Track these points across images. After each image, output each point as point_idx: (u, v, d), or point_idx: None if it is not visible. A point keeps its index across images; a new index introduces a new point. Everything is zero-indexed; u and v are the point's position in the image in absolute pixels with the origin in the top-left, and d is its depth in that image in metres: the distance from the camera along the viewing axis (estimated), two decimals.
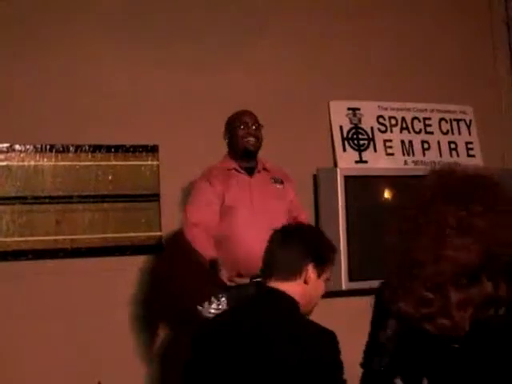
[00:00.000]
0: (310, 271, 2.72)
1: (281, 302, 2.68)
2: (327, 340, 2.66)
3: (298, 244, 2.75)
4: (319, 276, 2.76)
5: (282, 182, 4.43)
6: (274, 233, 2.85)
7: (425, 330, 1.93)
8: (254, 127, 4.37)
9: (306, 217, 4.49)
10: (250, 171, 4.38)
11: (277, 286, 2.69)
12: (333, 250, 2.87)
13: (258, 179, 4.37)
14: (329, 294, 5.19)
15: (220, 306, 3.78)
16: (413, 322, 1.94)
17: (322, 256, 2.78)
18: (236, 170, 4.35)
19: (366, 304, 5.46)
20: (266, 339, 2.57)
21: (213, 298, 3.82)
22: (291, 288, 2.68)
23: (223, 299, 3.81)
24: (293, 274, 2.70)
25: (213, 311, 3.77)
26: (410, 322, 1.95)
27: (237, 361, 2.57)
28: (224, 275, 4.03)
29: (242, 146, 4.35)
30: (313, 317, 5.36)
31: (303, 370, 2.52)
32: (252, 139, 4.35)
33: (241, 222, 4.23)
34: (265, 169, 4.42)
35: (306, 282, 2.72)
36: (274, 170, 4.47)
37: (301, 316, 2.73)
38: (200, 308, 3.85)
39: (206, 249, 4.14)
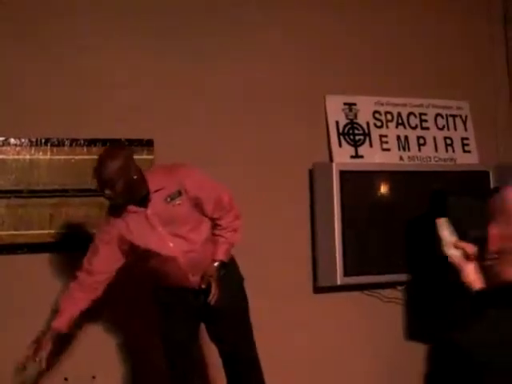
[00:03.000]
0: None
1: None
2: None
3: None
4: None
5: (179, 194, 4.01)
6: None
7: None
8: (107, 191, 3.90)
9: (229, 197, 4.13)
10: (144, 202, 4.01)
11: None
12: None
13: (152, 210, 4.01)
14: (324, 289, 5.27)
15: None
16: None
17: None
18: (128, 211, 4.02)
19: (360, 299, 5.48)
20: None
21: None
22: None
23: None
24: None
25: None
26: None
27: None
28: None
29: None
30: (309, 311, 5.38)
31: None
32: (114, 201, 3.99)
33: (158, 258, 4.05)
34: (156, 190, 4.01)
35: None
36: (168, 183, 4.03)
37: None
38: None
39: (62, 312, 4.09)
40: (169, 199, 4.01)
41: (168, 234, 4.04)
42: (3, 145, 4.65)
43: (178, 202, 4.02)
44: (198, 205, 4.07)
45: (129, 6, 4.98)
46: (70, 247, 4.71)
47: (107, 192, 3.90)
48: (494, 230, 2.14)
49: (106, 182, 3.88)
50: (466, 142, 5.83)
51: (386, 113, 5.63)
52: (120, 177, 3.87)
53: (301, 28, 5.40)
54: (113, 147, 4.09)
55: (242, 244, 4.23)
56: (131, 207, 4.02)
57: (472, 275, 2.36)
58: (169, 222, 4.02)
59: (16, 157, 4.67)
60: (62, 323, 4.09)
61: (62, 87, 4.80)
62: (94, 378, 4.67)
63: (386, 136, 5.59)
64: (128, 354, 4.82)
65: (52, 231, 4.69)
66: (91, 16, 4.88)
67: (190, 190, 4.04)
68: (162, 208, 4.01)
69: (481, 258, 2.22)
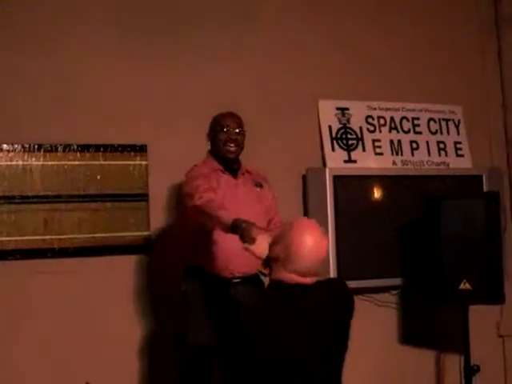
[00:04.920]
0: None
1: None
2: None
3: None
4: None
5: (261, 186, 4.39)
6: None
7: None
8: (236, 131, 4.28)
9: (280, 219, 4.39)
10: (234, 173, 4.32)
11: None
12: None
13: (241, 182, 4.32)
14: None
15: None
16: None
17: None
18: (222, 171, 4.29)
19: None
20: None
21: None
22: None
23: None
24: None
25: None
26: None
27: None
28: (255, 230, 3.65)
29: (223, 151, 4.28)
30: None
31: None
32: (232, 146, 4.26)
33: None
34: (247, 171, 4.38)
35: None
36: (255, 174, 4.43)
37: None
38: None
39: (225, 211, 3.86)
40: (254, 184, 4.36)
41: (243, 204, 4.15)
42: None
43: (259, 189, 4.37)
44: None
45: (122, 14, 4.98)
46: (63, 253, 4.71)
47: (238, 130, 4.27)
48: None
49: (238, 126, 4.28)
50: (458, 146, 5.84)
51: (379, 117, 5.64)
52: (243, 132, 4.31)
53: (292, 33, 5.40)
54: None
55: None
56: (225, 171, 4.26)
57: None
58: (249, 200, 4.22)
59: (9, 163, 4.66)
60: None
61: (54, 93, 4.79)
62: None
63: (379, 140, 5.59)
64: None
65: (45, 237, 4.68)
66: (83, 23, 4.88)
67: (265, 191, 4.41)
68: (249, 186, 4.33)
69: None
